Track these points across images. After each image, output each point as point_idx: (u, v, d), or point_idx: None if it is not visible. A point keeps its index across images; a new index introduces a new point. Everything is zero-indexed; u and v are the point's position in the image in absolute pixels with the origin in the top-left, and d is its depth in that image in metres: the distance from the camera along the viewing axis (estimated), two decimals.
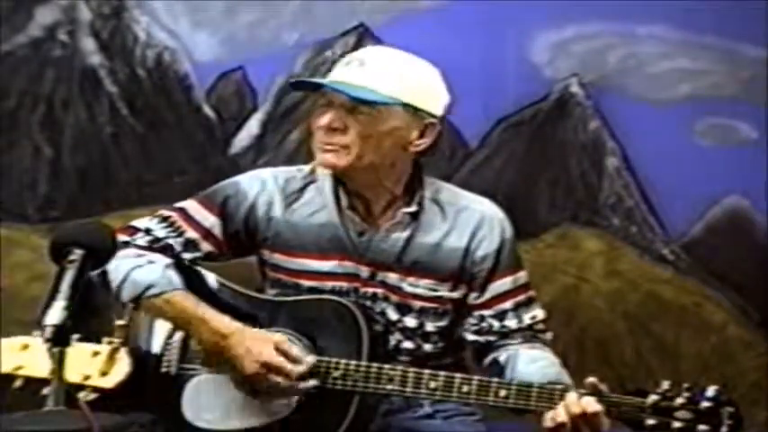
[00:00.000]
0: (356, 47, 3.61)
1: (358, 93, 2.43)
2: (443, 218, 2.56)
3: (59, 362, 1.84)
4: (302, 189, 2.58)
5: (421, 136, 2.49)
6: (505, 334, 2.55)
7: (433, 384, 2.39)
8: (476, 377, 2.39)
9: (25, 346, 2.22)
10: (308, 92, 2.79)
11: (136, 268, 2.47)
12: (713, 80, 3.69)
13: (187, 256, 2.54)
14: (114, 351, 2.22)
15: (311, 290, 2.53)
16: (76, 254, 1.93)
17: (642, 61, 3.69)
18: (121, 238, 2.49)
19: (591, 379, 2.33)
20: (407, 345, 2.55)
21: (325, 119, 2.46)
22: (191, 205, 2.58)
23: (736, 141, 3.68)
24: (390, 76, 2.45)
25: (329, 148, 2.46)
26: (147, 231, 2.55)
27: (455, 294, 2.55)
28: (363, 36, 3.64)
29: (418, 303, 2.54)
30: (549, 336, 2.60)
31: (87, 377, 2.19)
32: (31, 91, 3.63)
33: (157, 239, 2.54)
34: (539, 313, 2.59)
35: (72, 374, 2.05)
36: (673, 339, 3.71)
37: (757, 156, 3.65)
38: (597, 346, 3.69)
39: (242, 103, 3.69)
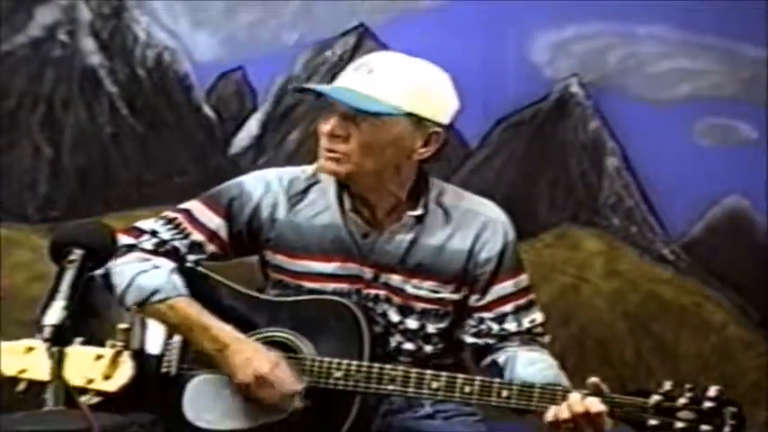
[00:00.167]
0: (356, 47, 3.62)
1: (361, 103, 2.41)
2: (447, 220, 2.55)
3: (59, 361, 1.84)
4: (306, 190, 2.57)
5: (425, 144, 2.48)
6: (504, 337, 2.55)
7: (435, 385, 2.39)
8: (478, 377, 2.39)
9: (29, 349, 2.23)
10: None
11: (141, 273, 2.46)
12: (713, 80, 3.69)
13: (192, 257, 2.54)
14: (117, 354, 2.22)
15: (313, 291, 2.53)
16: (76, 254, 1.93)
17: (642, 61, 3.69)
18: (127, 240, 2.50)
19: (593, 379, 2.33)
20: (409, 346, 2.55)
21: (328, 126, 2.45)
22: (196, 207, 2.57)
23: (736, 141, 3.68)
24: (398, 86, 2.43)
25: (330, 155, 2.46)
26: (153, 233, 2.54)
27: (457, 296, 2.55)
28: (363, 36, 3.64)
29: (420, 305, 2.54)
30: (546, 339, 2.60)
31: (90, 381, 2.19)
32: (31, 91, 3.63)
33: (163, 242, 2.53)
34: (537, 317, 2.59)
35: (75, 378, 2.05)
36: (673, 339, 3.71)
37: (757, 156, 3.65)
38: (597, 346, 3.70)
39: (242, 103, 3.69)
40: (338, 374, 2.41)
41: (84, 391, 2.16)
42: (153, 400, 2.42)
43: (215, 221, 2.55)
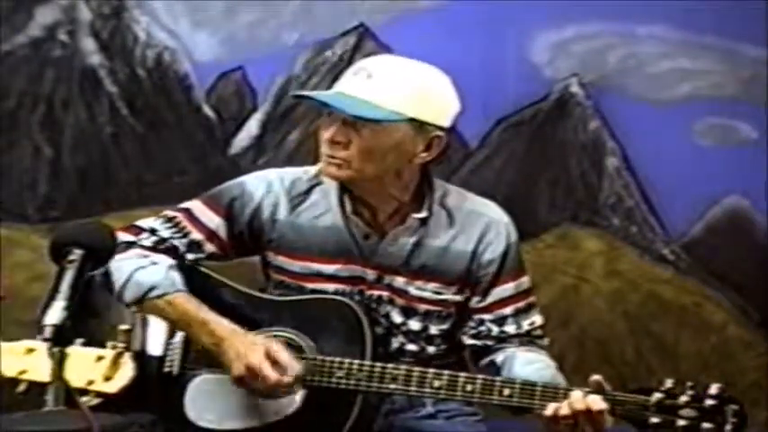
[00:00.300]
0: (356, 47, 3.61)
1: (361, 110, 2.40)
2: (451, 222, 2.55)
3: (59, 361, 1.83)
4: (308, 191, 2.57)
5: (427, 148, 2.47)
6: (503, 339, 2.55)
7: (437, 383, 2.39)
8: (480, 376, 2.39)
9: (30, 351, 2.22)
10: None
11: (139, 269, 2.46)
12: (713, 80, 3.69)
13: (191, 256, 2.54)
14: (118, 356, 2.22)
15: (315, 292, 2.53)
16: (76, 254, 1.93)
17: (642, 61, 3.69)
18: (126, 237, 2.49)
19: (595, 377, 2.33)
20: (411, 347, 2.55)
21: (328, 132, 2.45)
22: (196, 206, 2.57)
23: (736, 141, 3.68)
24: (397, 90, 2.42)
25: (331, 161, 2.46)
26: (152, 231, 2.54)
27: (459, 297, 2.55)
28: (363, 36, 3.64)
29: (423, 307, 2.54)
30: (545, 341, 2.60)
31: (91, 382, 2.18)
32: (31, 91, 3.63)
33: (162, 240, 2.53)
34: (537, 319, 2.59)
35: (76, 379, 2.04)
36: (673, 339, 3.71)
37: (757, 156, 3.65)
38: (597, 345, 3.70)
39: (242, 103, 3.69)
40: (340, 373, 2.40)
41: (84, 392, 2.16)
42: (155, 400, 2.42)
43: (215, 221, 2.55)
